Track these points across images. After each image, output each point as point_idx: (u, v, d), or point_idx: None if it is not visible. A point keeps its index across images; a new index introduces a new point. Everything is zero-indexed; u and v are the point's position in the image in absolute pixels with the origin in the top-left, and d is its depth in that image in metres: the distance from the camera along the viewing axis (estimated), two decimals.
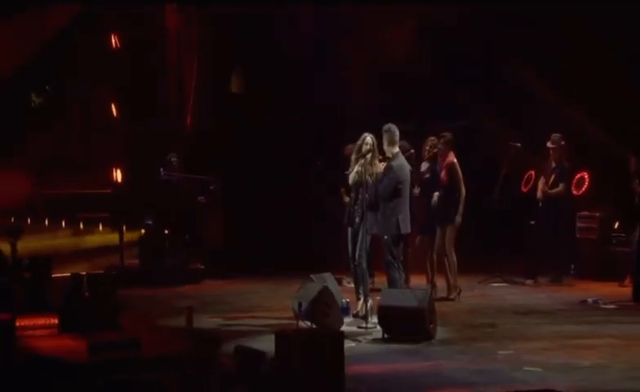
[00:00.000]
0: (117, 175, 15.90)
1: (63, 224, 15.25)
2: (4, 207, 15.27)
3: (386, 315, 9.88)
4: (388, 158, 10.50)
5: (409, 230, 10.79)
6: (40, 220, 16.02)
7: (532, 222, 13.75)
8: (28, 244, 13.41)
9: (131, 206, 15.25)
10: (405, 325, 9.79)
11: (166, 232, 14.49)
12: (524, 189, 14.35)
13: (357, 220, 10.71)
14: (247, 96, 16.79)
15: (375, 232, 10.60)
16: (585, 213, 14.04)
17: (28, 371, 9.14)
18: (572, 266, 14.05)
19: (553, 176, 13.50)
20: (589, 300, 12.35)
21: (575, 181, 13.98)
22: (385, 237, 10.55)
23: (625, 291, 12.72)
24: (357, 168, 10.57)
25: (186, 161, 15.11)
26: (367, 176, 10.37)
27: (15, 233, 11.75)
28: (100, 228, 16.34)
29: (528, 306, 12.32)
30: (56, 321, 10.52)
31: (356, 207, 10.72)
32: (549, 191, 13.39)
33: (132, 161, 15.75)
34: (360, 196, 10.57)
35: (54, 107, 16.97)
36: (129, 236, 15.04)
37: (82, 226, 15.65)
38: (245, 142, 16.03)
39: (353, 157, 10.75)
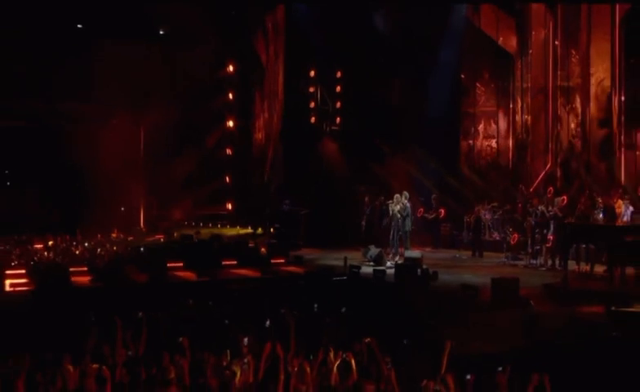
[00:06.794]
0: (229, 205, 31.55)
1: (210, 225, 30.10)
2: (182, 220, 29.87)
3: (407, 260, 25.25)
4: (404, 202, 26.73)
5: (411, 228, 26.94)
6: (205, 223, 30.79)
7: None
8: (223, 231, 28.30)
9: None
10: (414, 264, 24.60)
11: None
12: (419, 215, 29.82)
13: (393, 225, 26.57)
14: None
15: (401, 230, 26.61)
16: (444, 224, 29.86)
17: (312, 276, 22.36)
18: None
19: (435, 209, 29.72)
20: (457, 255, 26.90)
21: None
22: (402, 231, 26.62)
23: (464, 252, 27.47)
24: (391, 207, 26.45)
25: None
26: (392, 209, 26.50)
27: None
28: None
29: (437, 258, 25.39)
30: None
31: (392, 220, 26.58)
32: (429, 217, 29.74)
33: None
34: (391, 215, 26.45)
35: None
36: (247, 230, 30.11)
37: (219, 226, 30.80)
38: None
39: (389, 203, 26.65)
